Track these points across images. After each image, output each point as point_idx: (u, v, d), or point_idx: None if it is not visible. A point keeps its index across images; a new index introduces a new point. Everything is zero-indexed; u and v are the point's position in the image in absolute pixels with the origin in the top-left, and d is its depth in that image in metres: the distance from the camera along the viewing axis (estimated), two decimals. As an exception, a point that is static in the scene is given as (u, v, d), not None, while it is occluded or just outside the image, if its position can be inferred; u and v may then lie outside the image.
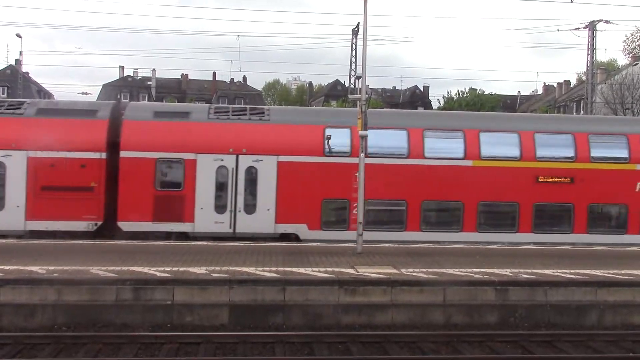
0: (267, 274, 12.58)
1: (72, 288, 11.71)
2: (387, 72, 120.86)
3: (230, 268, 13.01)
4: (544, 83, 79.58)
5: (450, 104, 59.59)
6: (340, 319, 12.04)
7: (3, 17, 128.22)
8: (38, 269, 12.41)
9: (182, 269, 12.87)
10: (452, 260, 14.86)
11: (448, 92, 55.84)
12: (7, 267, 12.50)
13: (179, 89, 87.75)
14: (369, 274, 12.79)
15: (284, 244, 17.31)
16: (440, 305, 12.32)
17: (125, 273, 12.34)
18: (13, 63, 73.74)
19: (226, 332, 11.37)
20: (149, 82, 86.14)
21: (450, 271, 13.34)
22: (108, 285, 11.81)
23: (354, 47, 44.77)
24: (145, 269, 12.72)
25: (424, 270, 13.39)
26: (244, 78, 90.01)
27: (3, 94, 78.70)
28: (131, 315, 11.72)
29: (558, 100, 64.02)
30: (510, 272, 13.36)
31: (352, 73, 45.55)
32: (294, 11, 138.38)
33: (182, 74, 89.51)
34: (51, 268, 12.54)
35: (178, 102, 74.56)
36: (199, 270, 12.76)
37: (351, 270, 13.18)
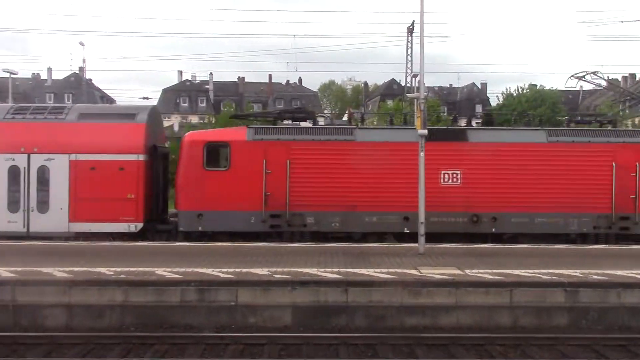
0: (330, 275, 12.52)
1: (138, 289, 11.92)
2: (443, 69, 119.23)
3: (292, 269, 13.02)
4: (607, 77, 76.89)
5: (510, 100, 58.28)
6: (404, 320, 11.88)
7: (67, 26, 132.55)
8: (106, 270, 12.71)
9: (245, 270, 12.96)
10: (517, 261, 14.48)
11: (507, 89, 54.56)
12: (76, 269, 12.87)
13: (236, 92, 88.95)
14: (433, 275, 12.58)
15: (344, 244, 17.23)
16: (507, 307, 11.99)
17: (189, 274, 12.51)
18: (77, 70, 76.26)
19: (290, 333, 11.38)
20: (206, 86, 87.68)
21: (516, 272, 12.99)
22: (173, 287, 11.98)
23: (409, 45, 44.43)
24: (209, 270, 12.86)
25: (489, 271, 13.08)
26: (300, 80, 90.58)
27: (68, 100, 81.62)
28: (196, 316, 11.87)
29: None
30: (579, 273, 12.90)
31: (409, 72, 45.22)
32: (349, 11, 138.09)
33: (239, 77, 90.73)
34: (118, 269, 12.82)
35: (236, 105, 75.63)
36: (262, 271, 12.81)
37: (414, 271, 12.99)
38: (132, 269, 12.87)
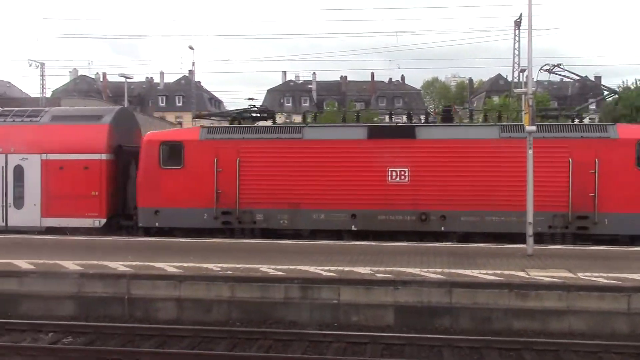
0: (433, 276, 12.30)
1: (244, 285, 12.22)
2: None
3: (395, 269, 12.90)
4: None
5: (630, 93, 54.88)
6: (511, 324, 11.46)
7: (177, 31, 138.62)
8: (213, 267, 13.13)
9: (347, 268, 12.98)
10: (636, 265, 13.61)
11: (623, 82, 51.41)
12: (186, 264, 13.38)
13: (338, 91, 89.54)
14: (542, 278, 12.05)
15: (448, 244, 16.89)
16: (624, 314, 11.28)
17: (292, 272, 12.67)
18: (187, 73, 79.47)
19: (392, 333, 11.27)
20: (309, 86, 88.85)
21: (635, 276, 12.20)
22: (277, 284, 12.18)
23: (516, 39, 42.97)
24: (312, 268, 12.98)
25: (603, 274, 12.37)
26: (402, 77, 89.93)
27: (179, 102, 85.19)
28: (299, 313, 12.00)
29: None
30: None
31: (516, 66, 43.75)
32: (452, 6, 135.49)
33: (342, 76, 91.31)
34: (225, 266, 13.21)
35: (338, 104, 76.07)
36: (364, 270, 12.78)
37: (522, 273, 12.51)
38: (237, 266, 13.22)
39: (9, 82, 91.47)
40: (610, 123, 19.15)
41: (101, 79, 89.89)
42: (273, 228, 18.68)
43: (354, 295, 11.93)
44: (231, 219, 18.75)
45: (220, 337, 10.96)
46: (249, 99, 64.08)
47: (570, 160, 17.34)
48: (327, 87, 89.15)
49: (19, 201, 19.96)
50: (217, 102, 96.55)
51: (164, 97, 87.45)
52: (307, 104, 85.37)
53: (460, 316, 11.63)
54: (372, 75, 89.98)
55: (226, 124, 20.66)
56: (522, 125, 17.56)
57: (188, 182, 18.65)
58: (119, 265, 13.25)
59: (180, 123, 68.59)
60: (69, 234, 19.39)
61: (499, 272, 12.64)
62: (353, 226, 18.28)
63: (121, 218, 20.11)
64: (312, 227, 18.53)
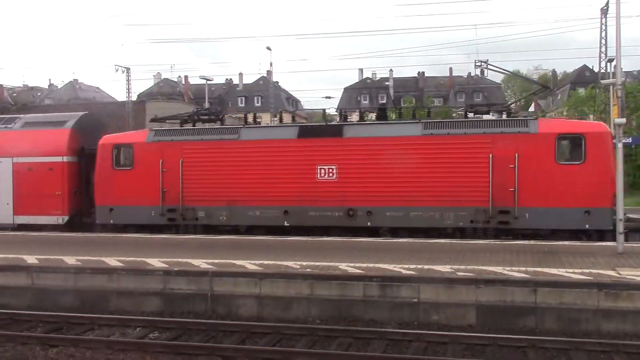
0: (516, 274, 11.94)
1: (323, 283, 12.27)
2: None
3: (476, 267, 12.61)
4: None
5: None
6: (601, 325, 10.97)
7: (255, 32, 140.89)
8: (292, 264, 13.25)
9: (426, 266, 12.80)
10: None
11: None
12: (266, 262, 13.57)
13: (416, 87, 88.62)
14: (635, 277, 11.47)
15: (532, 242, 16.37)
16: None
17: (371, 270, 12.62)
18: (265, 74, 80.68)
19: (474, 333, 11.03)
20: (386, 83, 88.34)
21: None
22: (356, 281, 12.16)
23: (603, 27, 41.18)
24: (391, 266, 12.88)
25: (703, 274, 11.65)
26: (482, 71, 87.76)
27: (257, 103, 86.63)
28: (378, 311, 11.93)
29: None
30: None
31: (602, 56, 41.92)
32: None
33: (419, 72, 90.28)
34: (304, 263, 13.31)
35: (415, 100, 75.31)
36: (444, 268, 12.57)
37: (612, 272, 11.95)
38: (316, 263, 13.29)
39: (98, 88, 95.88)
40: (532, 117, 18.94)
41: (183, 82, 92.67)
42: (214, 224, 19.60)
43: (434, 294, 11.75)
44: (176, 215, 19.83)
45: (300, 334, 11.04)
46: (326, 97, 64.36)
47: (491, 155, 17.33)
48: (404, 83, 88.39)
49: None
50: (295, 102, 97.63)
51: (243, 98, 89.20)
52: (384, 101, 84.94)
53: (546, 316, 11.23)
54: (450, 70, 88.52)
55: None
56: (445, 121, 18.86)
57: (137, 181, 19.85)
58: (201, 263, 13.59)
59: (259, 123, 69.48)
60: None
61: (586, 270, 12.14)
62: (286, 222, 18.95)
63: (84, 216, 21.43)
64: (248, 223, 19.36)
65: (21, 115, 24.41)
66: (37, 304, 13.40)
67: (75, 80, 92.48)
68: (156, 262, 13.74)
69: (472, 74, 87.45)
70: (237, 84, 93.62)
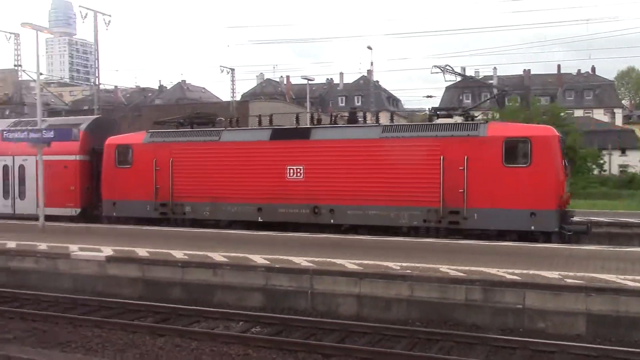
0: (631, 283, 11.26)
1: (423, 285, 12.10)
2: None
3: (586, 274, 12.02)
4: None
5: None
6: None
7: (355, 31, 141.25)
8: (393, 265, 13.15)
9: (531, 272, 12.33)
10: None
11: None
12: (365, 262, 13.54)
13: (521, 86, 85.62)
14: None
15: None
16: None
17: (473, 273, 12.31)
18: (365, 73, 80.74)
19: (583, 343, 10.51)
20: (490, 81, 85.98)
21: None
22: (457, 285, 11.90)
23: None
24: (493, 270, 12.51)
25: None
26: (593, 68, 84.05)
27: (358, 102, 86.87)
28: (480, 316, 11.64)
29: None
30: None
31: None
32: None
33: (524, 69, 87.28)
34: (404, 264, 13.17)
35: (521, 99, 72.84)
36: (551, 274, 12.05)
37: None
38: (416, 265, 13.12)
39: (204, 88, 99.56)
40: (482, 121, 19.38)
41: (285, 82, 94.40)
42: (199, 219, 21.28)
43: (540, 301, 11.30)
44: (167, 210, 21.77)
45: (400, 336, 10.95)
46: (427, 96, 63.58)
47: (442, 157, 17.96)
48: (508, 81, 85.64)
49: (21, 194, 24.58)
50: (395, 101, 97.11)
51: (344, 98, 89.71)
52: (470, 100, 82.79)
53: (664, 329, 10.53)
54: (559, 67, 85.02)
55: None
56: (401, 125, 20.15)
57: (135, 179, 21.63)
58: (302, 261, 13.76)
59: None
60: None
61: None
62: (259, 218, 20.37)
63: (94, 209, 23.54)
64: (228, 218, 20.93)
65: (47, 119, 27.18)
66: (147, 295, 14.07)
67: (183, 81, 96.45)
68: (258, 259, 14.05)
69: (582, 71, 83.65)
70: (338, 84, 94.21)
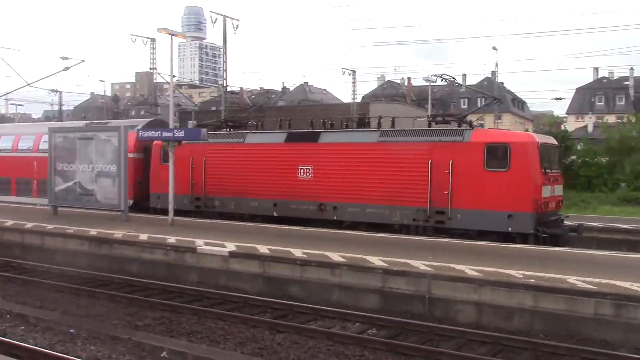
0: None
1: (548, 296, 11.56)
2: None
3: None
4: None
5: None
6: None
7: (480, 32, 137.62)
8: (515, 273, 12.67)
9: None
10: None
11: None
12: (486, 269, 13.12)
13: (661, 87, 79.77)
14: None
15: None
16: None
17: (604, 286, 11.59)
18: (489, 75, 78.49)
19: None
20: (625, 82, 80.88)
21: None
22: (586, 297, 11.26)
23: None
24: (627, 284, 11.72)
25: None
26: None
27: (481, 104, 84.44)
28: (611, 332, 10.94)
29: None
30: None
31: None
32: None
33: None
34: (527, 273, 12.64)
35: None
36: (693, 291, 11.10)
37: None
38: (541, 274, 12.54)
39: (325, 90, 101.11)
40: (467, 127, 19.92)
41: (406, 84, 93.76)
42: (226, 212, 23.36)
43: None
44: (200, 203, 24.12)
45: (522, 348, 10.53)
46: (556, 98, 60.75)
47: (430, 161, 19.20)
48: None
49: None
50: (521, 103, 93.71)
51: (466, 100, 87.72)
52: (622, 103, 78.02)
53: None
54: None
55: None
56: (397, 130, 21.16)
57: (175, 174, 22.41)
58: (420, 265, 13.58)
59: (482, 125, 67.93)
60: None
61: None
62: (275, 212, 22.26)
63: (145, 201, 25.60)
64: (250, 212, 22.96)
65: (111, 121, 29.72)
66: (267, 291, 14.46)
67: (306, 83, 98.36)
68: (376, 260, 14.02)
69: None
70: (461, 85, 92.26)
